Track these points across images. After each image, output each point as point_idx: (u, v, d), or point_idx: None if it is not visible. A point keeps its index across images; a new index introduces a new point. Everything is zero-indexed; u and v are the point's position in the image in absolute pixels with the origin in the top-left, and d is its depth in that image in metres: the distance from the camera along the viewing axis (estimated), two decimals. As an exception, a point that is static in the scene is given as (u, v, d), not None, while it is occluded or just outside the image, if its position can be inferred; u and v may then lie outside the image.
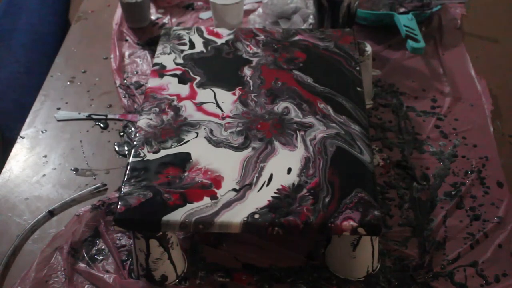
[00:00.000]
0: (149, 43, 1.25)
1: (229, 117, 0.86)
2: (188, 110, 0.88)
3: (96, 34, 1.30)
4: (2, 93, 1.42)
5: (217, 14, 1.20)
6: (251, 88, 0.91)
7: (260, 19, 1.25)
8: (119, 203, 0.75)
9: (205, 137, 0.83)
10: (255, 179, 0.77)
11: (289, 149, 0.81)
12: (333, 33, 1.02)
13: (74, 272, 0.83)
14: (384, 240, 0.86)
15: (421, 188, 0.93)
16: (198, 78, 0.94)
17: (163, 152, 0.81)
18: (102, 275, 0.82)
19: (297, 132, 0.84)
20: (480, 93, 1.11)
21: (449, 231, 0.87)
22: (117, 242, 0.87)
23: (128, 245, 0.86)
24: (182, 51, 0.99)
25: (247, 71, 0.95)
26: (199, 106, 0.88)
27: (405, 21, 1.16)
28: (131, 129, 1.05)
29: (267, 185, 0.76)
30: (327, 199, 0.74)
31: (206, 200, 0.75)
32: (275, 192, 0.75)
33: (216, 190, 0.76)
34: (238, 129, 0.84)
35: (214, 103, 0.89)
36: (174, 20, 1.33)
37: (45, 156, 1.01)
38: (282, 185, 0.76)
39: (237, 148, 0.81)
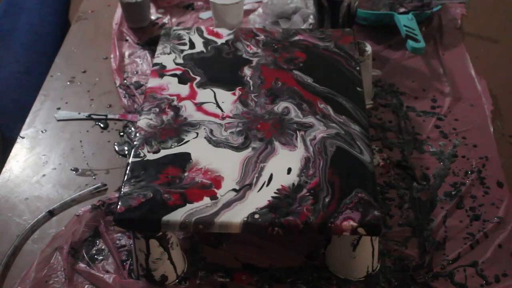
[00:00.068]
0: (149, 43, 1.25)
1: (229, 117, 0.86)
2: (188, 110, 0.88)
3: (96, 34, 1.30)
4: (2, 93, 1.42)
5: (217, 14, 1.20)
6: (251, 88, 0.91)
7: (260, 19, 1.25)
8: (119, 203, 0.75)
9: (205, 137, 0.83)
10: (255, 179, 0.77)
11: (289, 149, 0.81)
12: (333, 33, 1.02)
13: (74, 272, 0.83)
14: (384, 240, 0.86)
15: (421, 188, 0.93)
16: (198, 78, 0.94)
17: (163, 152, 0.81)
18: (102, 275, 0.82)
19: (297, 132, 0.84)
20: (480, 93, 1.11)
21: (449, 231, 0.87)
22: (117, 242, 0.87)
23: (128, 245, 0.86)
24: (182, 51, 0.99)
25: (247, 71, 0.95)
26: (199, 106, 0.88)
27: (405, 21, 1.16)
28: (131, 129, 1.05)
29: (267, 185, 0.76)
30: (327, 199, 0.74)
31: (206, 200, 0.75)
32: (275, 192, 0.75)
33: (216, 190, 0.76)
34: (238, 129, 0.84)
35: (214, 103, 0.89)
36: (174, 20, 1.33)
37: (45, 156, 1.01)
38: (282, 185, 0.76)
39: (237, 148, 0.81)
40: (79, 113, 1.09)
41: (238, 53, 0.98)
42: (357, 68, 0.94)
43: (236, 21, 1.22)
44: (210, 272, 0.83)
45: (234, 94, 0.91)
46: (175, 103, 0.89)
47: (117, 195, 0.90)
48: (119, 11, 1.33)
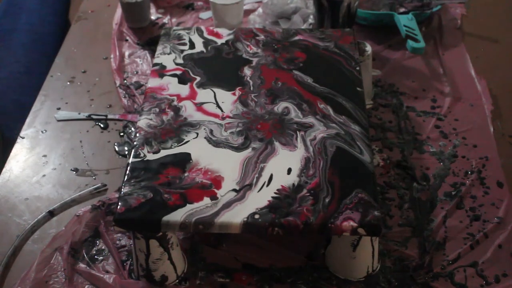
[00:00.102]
0: (149, 43, 1.25)
1: (229, 117, 0.86)
2: (188, 110, 0.88)
3: (96, 34, 1.30)
4: (2, 93, 1.42)
5: (217, 14, 1.20)
6: (251, 88, 0.91)
7: (260, 19, 1.25)
8: (119, 203, 0.75)
9: (205, 137, 0.83)
10: (255, 180, 0.77)
11: (289, 149, 0.81)
12: (333, 33, 1.02)
13: (74, 273, 0.83)
14: (384, 240, 0.86)
15: (421, 188, 0.93)
16: (198, 78, 0.94)
17: (163, 152, 0.81)
18: (102, 275, 0.82)
19: (297, 132, 0.84)
20: (480, 93, 1.11)
21: (449, 232, 0.87)
22: (117, 242, 0.87)
23: (128, 245, 0.86)
24: (182, 51, 0.99)
25: (247, 71, 0.95)
26: (199, 106, 0.88)
27: (405, 21, 1.16)
28: (131, 129, 1.05)
29: (267, 185, 0.76)
30: (327, 200, 0.74)
31: (206, 200, 0.75)
32: (275, 193, 0.75)
33: (216, 191, 0.76)
34: (238, 129, 0.84)
35: (214, 103, 0.89)
36: (174, 20, 1.33)
37: (45, 156, 1.01)
38: (282, 186, 0.76)
39: (237, 148, 0.81)
40: (79, 113, 1.09)
41: (238, 53, 0.98)
42: (357, 68, 0.94)
43: (236, 21, 1.22)
44: (210, 272, 0.83)
45: (234, 94, 0.91)
46: (175, 103, 0.89)
47: (117, 195, 0.90)
48: (119, 11, 1.33)
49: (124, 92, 1.13)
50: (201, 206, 0.74)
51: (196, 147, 0.82)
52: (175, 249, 0.80)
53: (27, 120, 1.08)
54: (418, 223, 0.88)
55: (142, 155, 0.81)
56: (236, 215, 0.73)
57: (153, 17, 1.33)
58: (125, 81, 1.16)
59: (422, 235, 0.87)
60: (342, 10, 1.09)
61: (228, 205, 0.74)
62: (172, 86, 0.92)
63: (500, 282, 0.81)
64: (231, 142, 0.82)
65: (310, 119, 0.86)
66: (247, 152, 0.81)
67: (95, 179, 0.97)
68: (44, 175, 0.98)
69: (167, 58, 0.98)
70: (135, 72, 1.18)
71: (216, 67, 0.96)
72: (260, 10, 1.27)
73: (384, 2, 1.26)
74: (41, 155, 1.02)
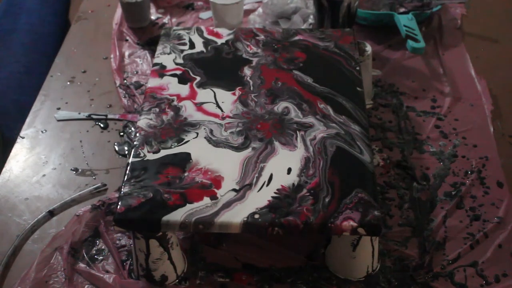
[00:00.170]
0: (149, 43, 1.25)
1: (229, 117, 0.86)
2: (188, 110, 0.88)
3: (96, 34, 1.30)
4: (2, 93, 1.42)
5: (217, 14, 1.20)
6: (251, 88, 0.91)
7: (260, 19, 1.25)
8: (119, 203, 0.75)
9: (205, 137, 0.83)
10: (255, 179, 0.77)
11: (289, 149, 0.81)
12: (333, 33, 1.02)
13: (74, 272, 0.83)
14: (384, 240, 0.86)
15: (421, 188, 0.93)
16: (198, 78, 0.94)
17: (163, 152, 0.81)
18: (102, 275, 0.82)
19: (297, 132, 0.84)
20: (480, 93, 1.11)
21: (449, 231, 0.87)
22: (117, 242, 0.87)
23: (128, 245, 0.86)
24: (182, 51, 0.99)
25: (247, 71, 0.95)
26: (199, 106, 0.88)
27: (405, 21, 1.16)
28: (131, 129, 1.05)
29: (267, 185, 0.76)
30: (327, 199, 0.74)
31: (206, 200, 0.75)
32: (275, 192, 0.75)
33: (216, 190, 0.76)
34: (238, 129, 0.84)
35: (214, 103, 0.89)
36: (174, 20, 1.33)
37: (45, 156, 1.01)
38: (282, 185, 0.76)
39: (237, 148, 0.81)
40: (79, 113, 1.09)
41: (238, 53, 0.98)
42: (357, 68, 0.94)
43: (236, 21, 1.22)
44: (210, 272, 0.83)
45: (234, 94, 0.91)
46: (175, 103, 0.89)
47: (117, 195, 0.90)
48: (119, 11, 1.33)
49: (124, 92, 1.13)
50: (201, 206, 0.74)
51: (196, 147, 0.82)
52: (175, 249, 0.80)
53: (27, 120, 1.08)
54: (418, 223, 0.88)
55: (142, 155, 0.81)
56: (236, 215, 0.73)
57: (153, 17, 1.33)
58: (125, 81, 1.16)
59: (422, 235, 0.87)
60: (342, 10, 1.09)
61: (228, 205, 0.74)
62: (172, 86, 0.92)
63: (500, 282, 0.81)
64: (231, 142, 0.82)
65: (310, 119, 0.86)
66: (247, 152, 0.81)
67: (95, 179, 0.97)
68: (44, 175, 0.98)
69: (167, 58, 0.98)
70: (135, 72, 1.18)
71: (216, 67, 0.96)
72: (260, 10, 1.27)
73: (384, 2, 1.26)
74: (41, 155, 1.02)
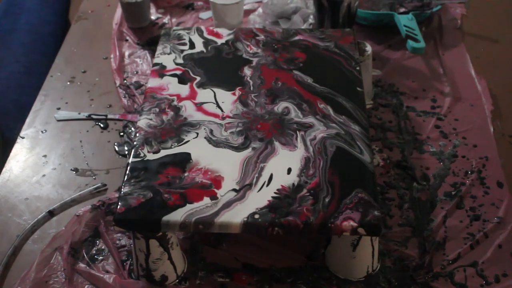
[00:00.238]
0: (149, 43, 1.25)
1: (229, 117, 0.86)
2: (188, 110, 0.88)
3: (96, 34, 1.30)
4: (2, 93, 1.42)
5: (217, 14, 1.20)
6: (251, 88, 0.91)
7: (260, 19, 1.25)
8: (119, 203, 0.75)
9: (205, 137, 0.83)
10: (255, 179, 0.77)
11: (289, 149, 0.81)
12: (333, 33, 1.02)
13: (74, 272, 0.83)
14: (384, 240, 0.86)
15: (421, 188, 0.93)
16: (198, 78, 0.94)
17: (163, 152, 0.81)
18: (102, 275, 0.82)
19: (297, 132, 0.84)
20: (480, 93, 1.11)
21: (449, 231, 0.87)
22: (117, 242, 0.87)
23: (128, 245, 0.86)
24: (182, 51, 0.99)
25: (247, 71, 0.95)
26: (199, 106, 0.88)
27: (405, 21, 1.16)
28: (131, 129, 1.05)
29: (267, 185, 0.76)
30: (327, 199, 0.74)
31: (206, 200, 0.75)
32: (275, 192, 0.75)
33: (216, 190, 0.76)
34: (238, 129, 0.84)
35: (214, 103, 0.89)
36: (174, 20, 1.33)
37: (45, 156, 1.01)
38: (282, 185, 0.76)
39: (237, 148, 0.81)
40: (79, 113, 1.09)
41: (238, 53, 0.98)
42: (357, 68, 0.94)
43: (236, 21, 1.22)
44: (210, 272, 0.83)
45: (234, 94, 0.91)
46: (175, 103, 0.89)
47: (117, 195, 0.90)
48: (119, 11, 1.33)
49: (124, 92, 1.13)
50: (201, 206, 0.74)
51: (196, 147, 0.82)
52: (175, 249, 0.80)
53: (27, 120, 1.08)
54: (418, 223, 0.88)
55: (142, 155, 0.81)
56: (236, 215, 0.73)
57: (153, 17, 1.33)
58: (125, 81, 1.16)
59: (422, 235, 0.87)
60: (342, 10, 1.09)
61: (228, 205, 0.74)
62: (172, 86, 0.92)
63: (500, 282, 0.81)
64: (231, 142, 0.82)
65: (310, 119, 0.86)
66: (247, 152, 0.81)
67: (95, 179, 0.97)
68: (44, 175, 0.98)
69: (167, 58, 0.98)
70: (135, 72, 1.18)
71: (216, 67, 0.96)
72: (260, 10, 1.27)
73: (384, 2, 1.26)
74: (41, 155, 1.02)
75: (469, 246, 0.85)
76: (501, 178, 0.95)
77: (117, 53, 1.22)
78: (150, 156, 0.81)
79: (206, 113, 0.87)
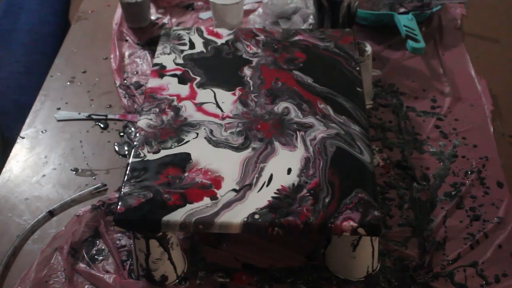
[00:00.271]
0: (149, 43, 1.25)
1: (229, 117, 0.86)
2: (188, 110, 0.88)
3: (96, 34, 1.30)
4: (2, 93, 1.42)
5: (217, 14, 1.20)
6: (251, 88, 0.91)
7: (260, 19, 1.25)
8: (119, 203, 0.75)
9: (205, 138, 0.83)
10: (255, 180, 0.77)
11: (289, 149, 0.81)
12: (333, 33, 1.02)
13: (74, 272, 0.83)
14: (384, 240, 0.86)
15: (421, 188, 0.93)
16: (198, 78, 0.94)
17: (163, 152, 0.81)
18: (102, 275, 0.82)
19: (297, 132, 0.84)
20: (480, 93, 1.11)
21: (449, 231, 0.87)
22: (117, 242, 0.87)
23: (128, 245, 0.86)
24: (182, 51, 0.99)
25: (247, 71, 0.95)
26: (199, 106, 0.88)
27: (405, 21, 1.16)
28: (131, 129, 1.05)
29: (267, 185, 0.76)
30: (327, 200, 0.74)
31: (206, 200, 0.75)
32: (275, 193, 0.75)
33: (216, 191, 0.76)
34: (238, 129, 0.84)
35: (214, 103, 0.89)
36: (174, 20, 1.33)
37: (45, 156, 1.01)
38: (282, 186, 0.76)
39: (237, 149, 0.81)
40: (79, 113, 1.09)
41: (238, 53, 0.98)
42: (357, 68, 0.94)
43: (236, 21, 1.22)
44: (210, 272, 0.83)
45: (234, 94, 0.91)
46: (175, 103, 0.89)
47: (117, 195, 0.90)
48: (119, 11, 1.33)
49: (124, 92, 1.13)
50: (201, 206, 0.74)
51: (196, 147, 0.82)
52: (175, 249, 0.80)
53: (27, 120, 1.08)
54: (418, 223, 0.88)
55: (142, 155, 0.81)
56: (236, 215, 0.73)
57: (153, 17, 1.33)
58: (125, 81, 1.16)
59: (422, 235, 0.87)
60: (342, 10, 1.09)
61: (228, 205, 0.74)
62: (172, 86, 0.92)
63: (500, 282, 0.81)
64: (231, 142, 0.82)
65: (310, 119, 0.86)
66: (247, 152, 0.81)
67: (95, 179, 0.97)
68: (44, 175, 0.98)
69: (167, 58, 0.98)
70: (135, 72, 1.18)
71: (216, 67, 0.96)
72: (260, 10, 1.27)
73: (384, 2, 1.26)
74: (41, 155, 1.02)
75: (469, 246, 0.85)
76: (501, 178, 0.95)
77: (117, 53, 1.22)
78: (150, 156, 0.81)
79: (206, 113, 0.87)
